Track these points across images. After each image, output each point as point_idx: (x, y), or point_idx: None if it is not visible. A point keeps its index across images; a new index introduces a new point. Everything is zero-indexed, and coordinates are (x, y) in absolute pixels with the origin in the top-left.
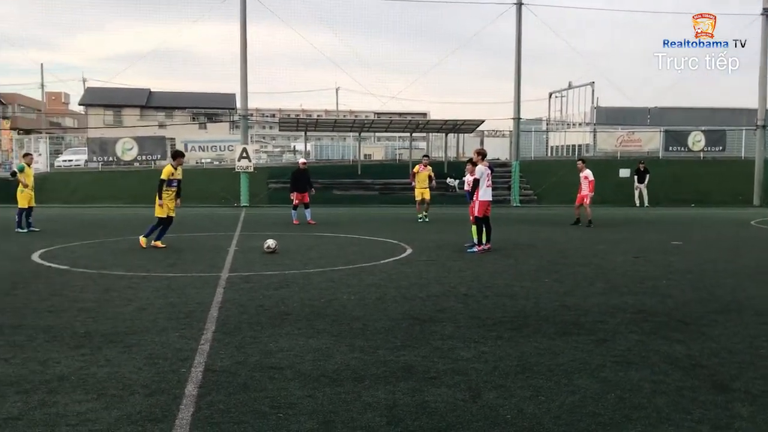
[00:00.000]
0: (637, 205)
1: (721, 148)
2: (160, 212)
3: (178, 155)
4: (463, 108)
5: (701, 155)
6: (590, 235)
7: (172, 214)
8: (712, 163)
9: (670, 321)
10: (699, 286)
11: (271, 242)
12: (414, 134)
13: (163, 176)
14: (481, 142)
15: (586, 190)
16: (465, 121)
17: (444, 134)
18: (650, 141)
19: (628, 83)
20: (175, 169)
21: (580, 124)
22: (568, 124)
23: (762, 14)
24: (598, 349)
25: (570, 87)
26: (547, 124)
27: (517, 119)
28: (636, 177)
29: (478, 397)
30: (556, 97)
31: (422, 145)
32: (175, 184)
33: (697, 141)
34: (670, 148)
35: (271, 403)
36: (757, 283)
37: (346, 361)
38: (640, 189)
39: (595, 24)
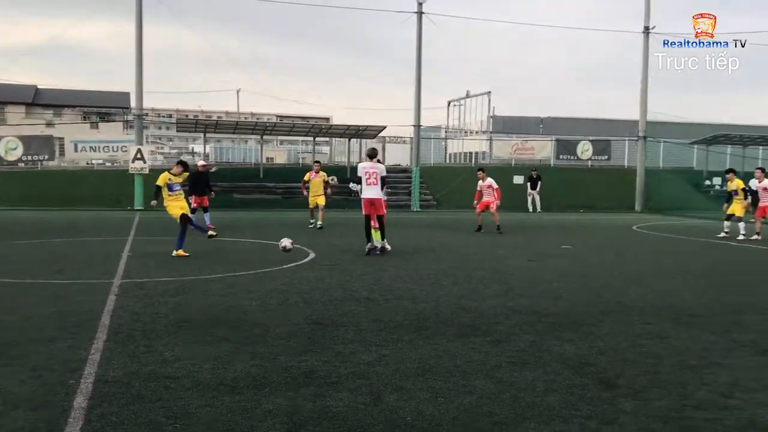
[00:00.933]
0: (530, 210)
1: (606, 157)
2: (177, 212)
3: (179, 164)
4: (366, 113)
5: (589, 164)
6: (487, 240)
7: (186, 211)
8: (598, 171)
9: (561, 322)
10: (588, 288)
11: (287, 242)
12: (317, 138)
13: (160, 183)
14: (383, 148)
15: (491, 198)
16: (367, 126)
17: (347, 139)
18: (543, 149)
19: (522, 94)
20: (175, 175)
21: (477, 132)
22: (465, 132)
23: (642, 32)
24: (494, 350)
25: (468, 96)
26: (445, 132)
27: (418, 126)
28: (529, 184)
29: (378, 401)
30: (454, 105)
31: (325, 149)
32: (178, 188)
33: (585, 150)
34: (561, 157)
35: (167, 414)
36: (640, 285)
37: (246, 369)
38: (533, 195)
39: (493, 36)
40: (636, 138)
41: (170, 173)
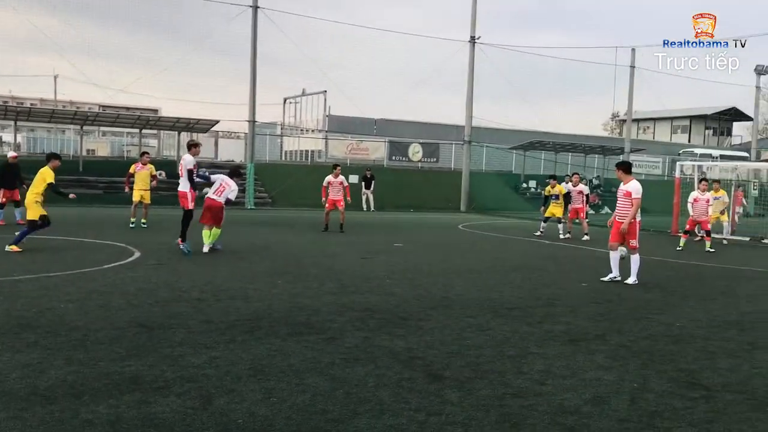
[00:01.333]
0: (365, 209)
1: (435, 159)
2: (37, 213)
3: (55, 158)
4: (197, 107)
5: (419, 165)
6: (323, 238)
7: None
8: (428, 173)
9: (392, 317)
10: (417, 284)
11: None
12: (144, 131)
13: (52, 180)
14: (216, 143)
15: (339, 196)
16: (199, 120)
17: (177, 132)
18: (377, 150)
19: (357, 94)
20: (53, 170)
21: (313, 131)
22: (301, 130)
23: (469, 42)
24: (328, 347)
25: (304, 94)
26: (281, 129)
27: (253, 122)
28: (363, 183)
29: (209, 404)
30: (290, 102)
31: (153, 142)
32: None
33: (416, 152)
34: (394, 158)
35: None
36: (464, 281)
37: (62, 376)
38: (367, 194)
39: (328, 36)
40: (462, 142)
41: (50, 168)
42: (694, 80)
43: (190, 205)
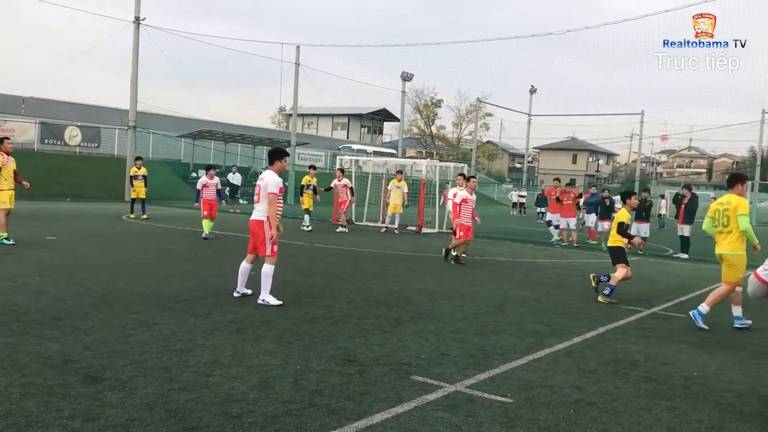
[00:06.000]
0: None
1: (96, 144)
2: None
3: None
4: None
5: (78, 150)
6: None
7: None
8: (88, 159)
9: (43, 319)
10: (74, 281)
11: None
12: None
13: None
14: None
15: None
16: None
17: None
18: (25, 132)
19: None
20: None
21: None
22: None
23: (133, 22)
24: None
25: None
26: None
27: None
28: None
29: None
30: None
31: None
32: None
33: (73, 136)
34: (47, 141)
35: None
36: (130, 274)
37: None
38: None
39: None
40: (126, 127)
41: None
42: (353, 81)
43: None
